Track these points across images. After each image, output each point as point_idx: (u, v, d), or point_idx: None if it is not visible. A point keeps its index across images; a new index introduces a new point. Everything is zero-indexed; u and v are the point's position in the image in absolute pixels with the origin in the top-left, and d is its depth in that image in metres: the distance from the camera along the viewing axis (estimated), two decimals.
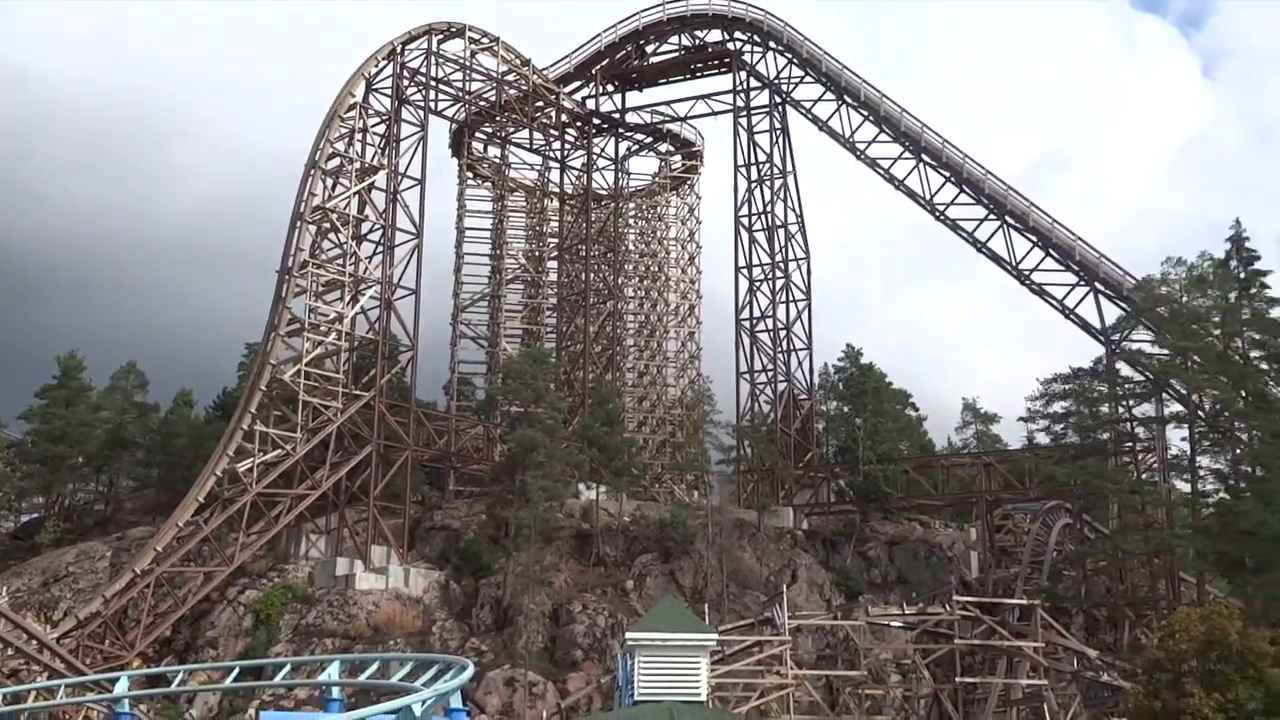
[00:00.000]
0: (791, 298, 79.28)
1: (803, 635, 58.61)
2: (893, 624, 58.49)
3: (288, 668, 43.50)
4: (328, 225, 67.38)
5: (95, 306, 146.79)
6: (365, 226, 69.08)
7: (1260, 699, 24.93)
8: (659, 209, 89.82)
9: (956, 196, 73.26)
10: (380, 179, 69.72)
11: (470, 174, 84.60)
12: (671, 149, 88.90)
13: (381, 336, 67.45)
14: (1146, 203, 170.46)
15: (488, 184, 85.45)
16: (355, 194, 68.61)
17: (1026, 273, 70.78)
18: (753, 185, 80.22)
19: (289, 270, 65.47)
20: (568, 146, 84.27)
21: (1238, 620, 26.92)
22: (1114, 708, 50.55)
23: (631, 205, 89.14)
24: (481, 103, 79.39)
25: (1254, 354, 56.15)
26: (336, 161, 68.67)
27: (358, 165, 69.00)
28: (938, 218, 73.68)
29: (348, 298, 66.92)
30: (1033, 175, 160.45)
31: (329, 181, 68.34)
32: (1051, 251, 70.06)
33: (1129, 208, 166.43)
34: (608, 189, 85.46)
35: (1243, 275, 56.78)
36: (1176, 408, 60.23)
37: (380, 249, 68.83)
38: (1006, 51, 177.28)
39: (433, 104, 74.25)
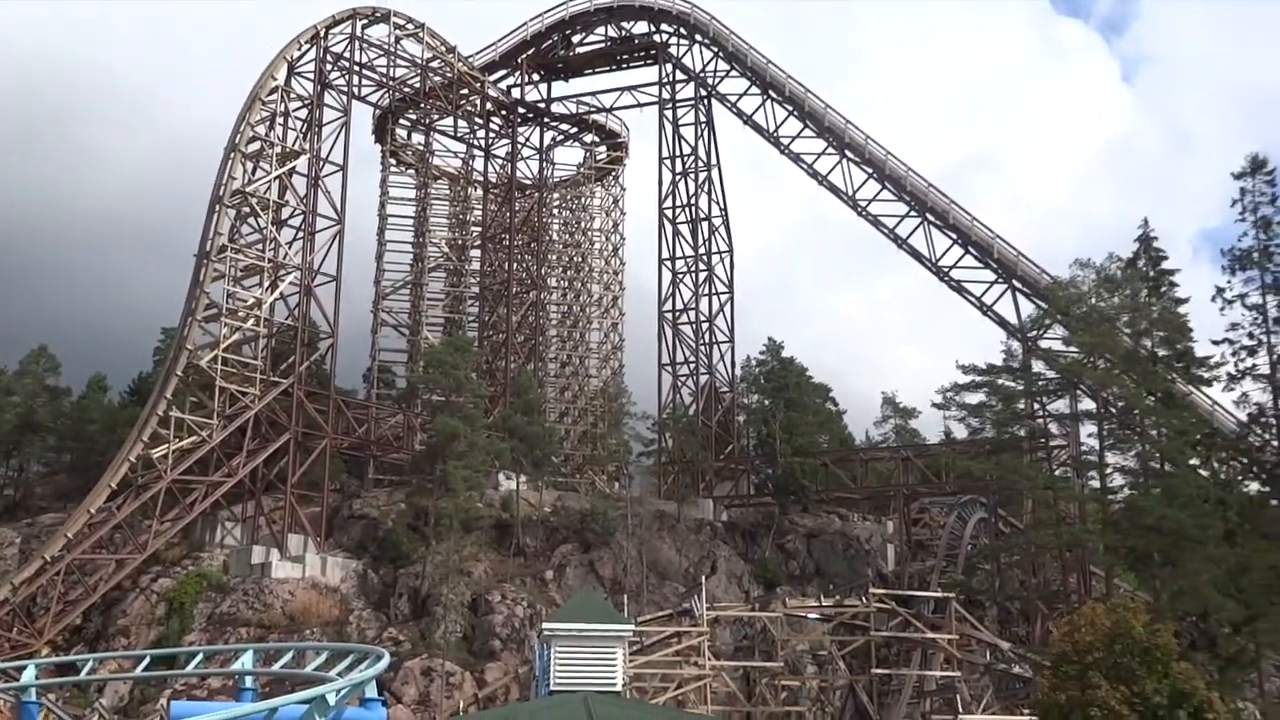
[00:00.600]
0: (714, 290, 79.72)
1: (721, 626, 58.93)
2: (810, 616, 58.96)
3: (200, 656, 42.97)
4: (247, 210, 66.53)
5: (6, 289, 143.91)
6: (286, 212, 68.30)
7: (1165, 692, 25.40)
8: (583, 200, 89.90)
9: (879, 193, 73.98)
10: (301, 164, 68.96)
11: (393, 161, 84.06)
12: (597, 140, 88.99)
13: (301, 323, 66.78)
14: (1066, 204, 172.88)
15: (411, 171, 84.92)
16: (276, 178, 67.80)
17: (946, 269, 71.65)
18: (677, 178, 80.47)
19: (207, 254, 64.59)
20: (492, 135, 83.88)
21: (1143, 614, 27.46)
22: (1025, 699, 51.39)
23: (556, 195, 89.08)
24: (405, 89, 78.78)
25: (1161, 352, 57.18)
26: (257, 145, 67.83)
27: (279, 149, 68.20)
28: (860, 213, 74.33)
29: (267, 283, 66.17)
30: (957, 175, 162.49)
31: (249, 165, 67.49)
32: (971, 249, 70.99)
33: (1049, 208, 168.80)
34: (532, 178, 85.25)
35: (1151, 275, 57.78)
36: (1089, 404, 61.25)
37: (301, 235, 68.10)
38: (932, 53, 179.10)
39: (356, 89, 73.60)
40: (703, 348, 78.42)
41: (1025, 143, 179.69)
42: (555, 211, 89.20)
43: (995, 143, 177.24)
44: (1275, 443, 49.22)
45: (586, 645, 17.61)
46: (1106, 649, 25.72)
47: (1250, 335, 49.15)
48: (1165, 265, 58.15)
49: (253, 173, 67.39)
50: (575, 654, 17.54)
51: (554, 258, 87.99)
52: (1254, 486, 53.15)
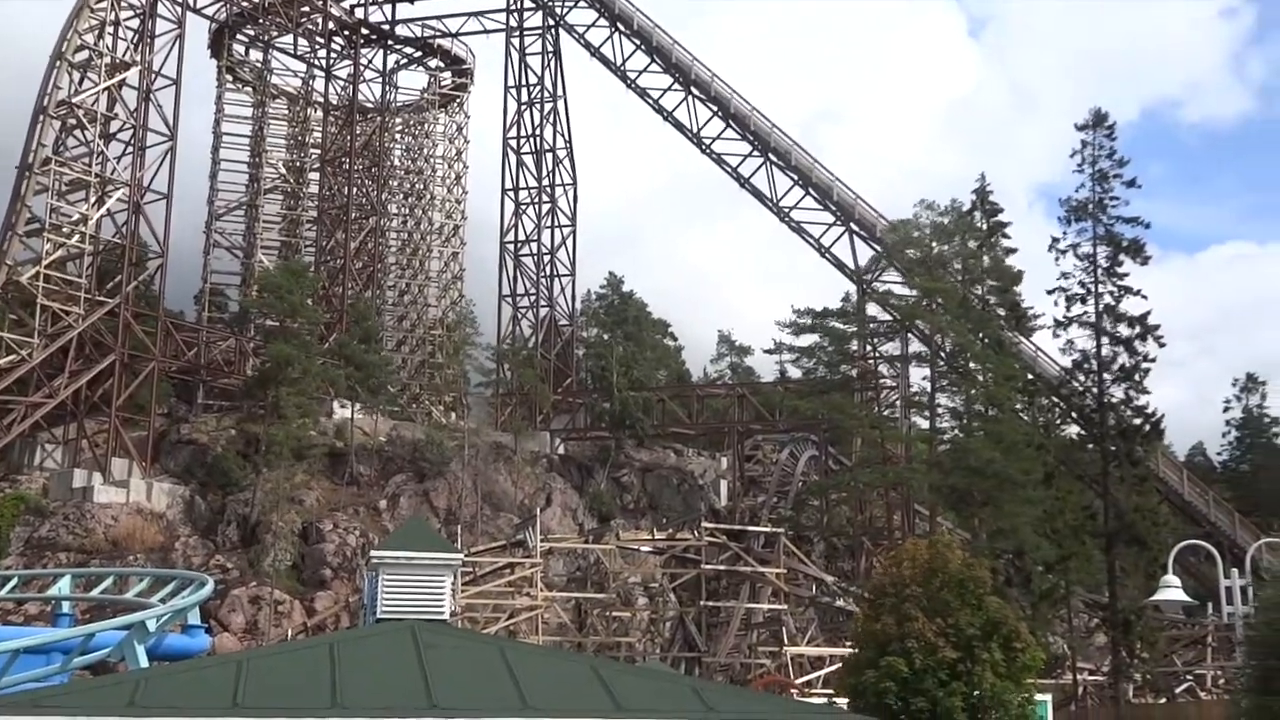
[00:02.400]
0: (557, 223, 79.42)
1: (554, 558, 59.40)
2: (642, 549, 59.81)
3: (15, 581, 41.78)
4: (73, 122, 63.88)
5: None
6: (115, 125, 65.74)
7: (979, 624, 26.36)
8: (426, 126, 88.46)
9: (723, 131, 74.36)
10: (132, 76, 66.36)
11: (230, 78, 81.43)
12: (441, 65, 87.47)
13: (129, 241, 64.63)
14: (916, 159, 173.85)
15: (248, 89, 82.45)
16: (104, 90, 65.13)
17: (786, 210, 72.51)
18: (522, 107, 79.70)
19: (29, 167, 61.90)
20: (334, 55, 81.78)
21: (959, 550, 28.40)
22: (848, 632, 52.86)
23: (398, 120, 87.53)
24: (244, 3, 76.32)
25: (992, 300, 58.83)
26: (85, 55, 64.98)
27: (108, 60, 65.44)
28: (704, 151, 74.69)
29: (93, 199, 63.77)
30: (811, 128, 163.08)
31: (76, 75, 64.65)
32: (811, 190, 71.94)
33: (899, 164, 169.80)
34: (374, 102, 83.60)
35: (985, 226, 59.32)
36: (920, 347, 62.79)
37: (130, 150, 65.73)
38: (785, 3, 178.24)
39: (191, 1, 71.01)
40: (543, 280, 78.22)
41: (875, 98, 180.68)
42: (397, 137, 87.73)
43: (846, 97, 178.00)
44: (1096, 389, 51.04)
45: (415, 573, 17.48)
46: (924, 583, 26.58)
47: (1080, 284, 50.72)
48: (1000, 218, 59.72)
49: (80, 83, 64.65)
50: (403, 582, 17.41)
51: (395, 184, 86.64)
52: (1072, 430, 55.15)
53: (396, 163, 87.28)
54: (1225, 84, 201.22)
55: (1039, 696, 29.58)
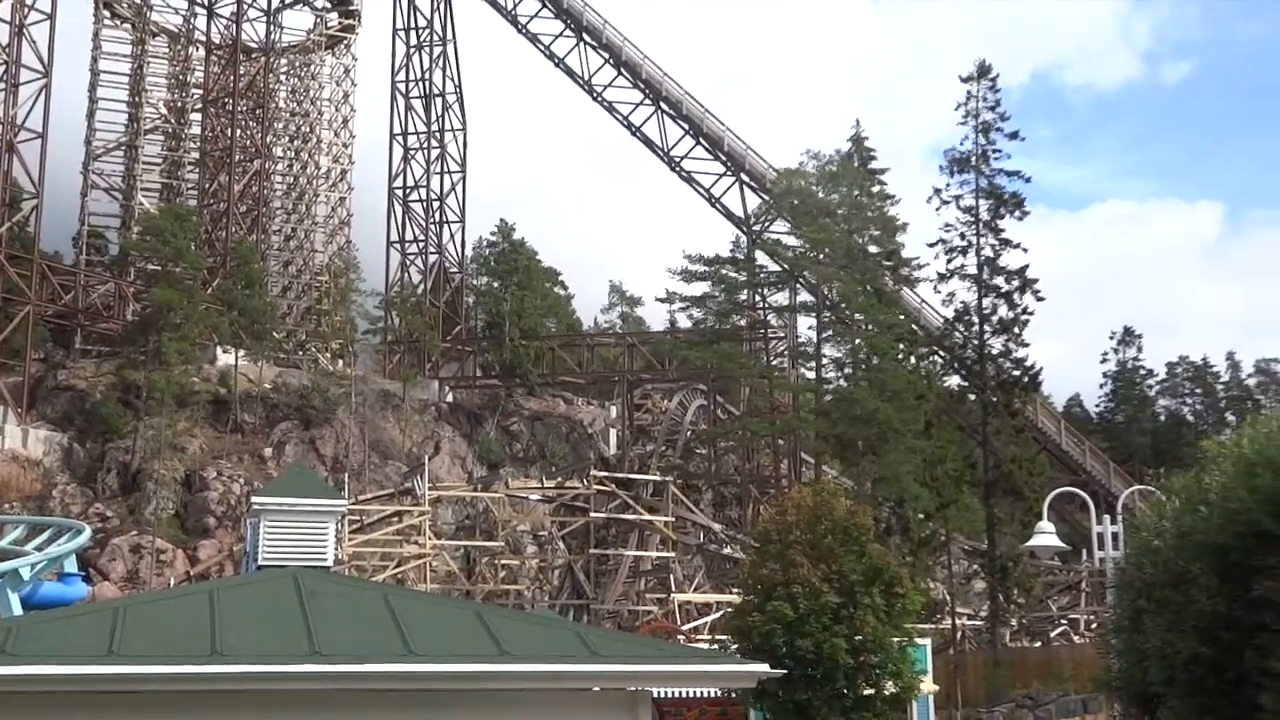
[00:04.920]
0: (447, 169, 78.59)
1: (442, 506, 59.18)
2: (531, 497, 59.82)
3: None
4: None
5: None
6: None
7: (861, 570, 26.77)
8: (313, 68, 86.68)
9: (614, 79, 74.08)
10: (4, 9, 64.06)
11: (108, 13, 78.96)
12: (328, 5, 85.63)
13: (2, 181, 62.61)
14: (820, 121, 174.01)
15: (127, 25, 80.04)
16: None
17: (677, 160, 72.59)
18: (411, 50, 78.54)
19: None
20: None
21: (844, 498, 28.80)
22: (735, 579, 53.47)
23: (284, 61, 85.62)
24: None
25: (873, 249, 59.43)
26: None
27: None
28: (595, 99, 74.35)
29: None
30: (722, 93, 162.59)
31: None
32: (702, 140, 72.05)
33: (804, 126, 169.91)
34: (258, 42, 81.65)
35: (864, 174, 59.83)
36: (807, 297, 63.36)
37: (2, 86, 63.53)
38: None
39: None
40: (432, 227, 77.43)
41: (781, 62, 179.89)
42: (282, 78, 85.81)
43: (753, 62, 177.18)
44: (976, 341, 51.95)
45: (297, 520, 17.27)
46: (809, 529, 26.89)
47: (961, 236, 51.42)
48: (875, 164, 60.29)
49: None
50: (285, 529, 17.20)
51: (280, 126, 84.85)
52: (954, 381, 56.14)
53: (282, 105, 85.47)
54: (1112, 48, 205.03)
55: (919, 640, 30.20)
